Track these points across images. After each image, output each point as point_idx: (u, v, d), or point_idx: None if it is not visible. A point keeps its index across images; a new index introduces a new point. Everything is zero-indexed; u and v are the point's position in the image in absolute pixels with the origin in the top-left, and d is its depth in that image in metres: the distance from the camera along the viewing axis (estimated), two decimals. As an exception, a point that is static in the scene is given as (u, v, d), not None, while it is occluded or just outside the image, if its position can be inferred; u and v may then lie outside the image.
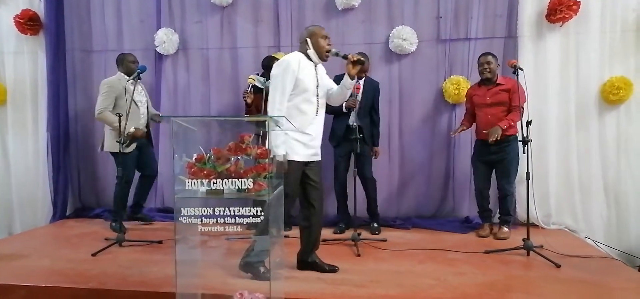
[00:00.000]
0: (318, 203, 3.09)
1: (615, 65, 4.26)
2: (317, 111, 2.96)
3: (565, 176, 4.36)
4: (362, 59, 2.94)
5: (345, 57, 2.94)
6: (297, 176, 2.93)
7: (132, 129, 4.13)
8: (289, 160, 2.83)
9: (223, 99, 4.89)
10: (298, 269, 3.17)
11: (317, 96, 2.95)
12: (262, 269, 2.88)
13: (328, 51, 2.96)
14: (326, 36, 2.97)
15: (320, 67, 3.07)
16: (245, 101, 4.19)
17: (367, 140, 4.19)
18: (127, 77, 4.17)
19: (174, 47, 4.87)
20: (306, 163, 2.95)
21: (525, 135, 3.42)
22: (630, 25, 4.24)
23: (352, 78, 2.93)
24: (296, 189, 2.97)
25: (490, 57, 3.95)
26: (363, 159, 4.21)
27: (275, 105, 2.80)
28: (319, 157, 3.06)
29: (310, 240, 3.16)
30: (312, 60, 2.96)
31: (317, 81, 2.97)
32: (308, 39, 2.95)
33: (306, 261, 3.17)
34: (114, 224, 4.30)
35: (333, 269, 3.13)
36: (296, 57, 2.89)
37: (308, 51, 2.94)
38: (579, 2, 4.17)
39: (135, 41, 5.00)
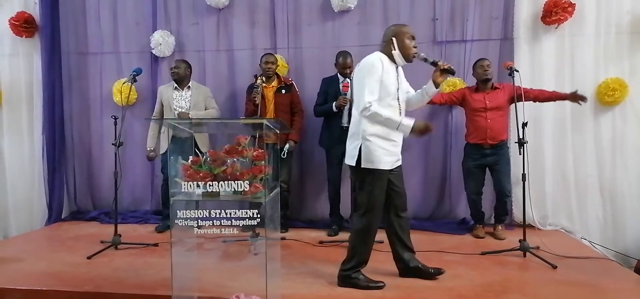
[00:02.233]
0: (404, 208, 2.98)
1: (610, 66, 4.28)
2: (400, 114, 2.80)
3: (561, 177, 4.38)
4: (452, 68, 2.79)
5: (434, 63, 2.79)
6: (384, 186, 2.81)
7: (148, 148, 4.35)
8: (375, 169, 2.75)
9: (219, 101, 4.87)
10: (400, 276, 3.03)
11: (399, 99, 2.81)
12: (361, 278, 2.87)
13: (415, 54, 2.80)
14: (413, 36, 2.80)
15: (401, 70, 2.92)
16: (254, 101, 4.05)
17: None
18: (175, 84, 4.35)
19: (170, 49, 4.85)
20: (390, 170, 2.83)
21: (521, 137, 3.43)
22: (625, 28, 4.26)
23: (437, 86, 2.80)
24: (383, 198, 2.84)
25: (488, 61, 4.03)
26: None
27: (365, 99, 2.62)
28: (400, 162, 2.94)
29: (405, 246, 3.02)
30: (395, 62, 2.81)
31: (398, 84, 2.81)
32: (393, 39, 2.77)
33: (408, 267, 3.01)
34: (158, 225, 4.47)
35: (439, 272, 2.99)
36: (379, 58, 2.73)
37: (393, 52, 2.77)
38: (574, 4, 4.19)
39: (131, 43, 4.98)
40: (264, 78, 4.15)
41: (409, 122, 2.64)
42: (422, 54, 2.83)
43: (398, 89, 2.81)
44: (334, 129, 4.16)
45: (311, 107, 4.47)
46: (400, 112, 2.81)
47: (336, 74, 4.24)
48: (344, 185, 4.31)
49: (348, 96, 4.05)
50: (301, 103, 4.46)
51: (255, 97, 4.04)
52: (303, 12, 4.75)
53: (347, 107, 4.08)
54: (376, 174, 2.77)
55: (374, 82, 2.66)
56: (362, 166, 2.76)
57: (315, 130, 4.59)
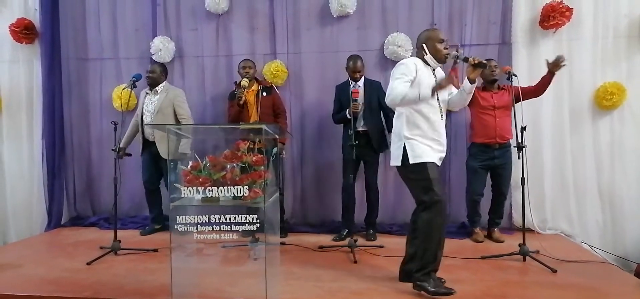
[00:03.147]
0: None
1: (608, 70, 4.30)
2: (441, 114, 2.87)
3: (560, 181, 4.38)
4: (484, 61, 2.77)
5: (466, 60, 2.83)
6: (438, 178, 2.81)
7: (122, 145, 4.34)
8: (425, 162, 2.77)
9: (219, 107, 4.89)
10: (400, 281, 3.00)
11: (438, 99, 2.85)
12: (429, 282, 2.76)
13: (447, 55, 2.87)
14: (443, 39, 2.89)
15: (439, 70, 2.99)
16: (239, 102, 4.09)
17: (374, 145, 4.14)
18: (148, 89, 4.40)
19: (170, 54, 4.87)
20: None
21: (520, 140, 3.44)
22: (622, 31, 4.28)
23: (471, 82, 2.80)
24: (442, 191, 2.83)
25: (495, 62, 4.08)
26: (368, 167, 4.21)
27: (398, 84, 2.75)
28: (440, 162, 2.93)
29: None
30: (429, 65, 2.90)
31: (436, 83, 2.83)
32: (424, 45, 2.89)
33: (411, 273, 2.89)
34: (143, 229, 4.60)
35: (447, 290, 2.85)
36: (413, 61, 2.86)
37: (425, 57, 2.89)
38: (572, 8, 4.21)
39: (131, 49, 5.00)
40: (247, 80, 4.15)
41: (428, 89, 2.72)
42: (454, 53, 2.87)
43: (435, 89, 2.81)
44: (350, 135, 4.12)
45: (308, 111, 4.48)
46: (441, 113, 2.87)
47: (347, 80, 4.20)
48: (356, 191, 4.27)
49: (359, 102, 4.04)
50: (283, 105, 4.47)
51: (241, 98, 4.07)
52: (302, 17, 4.77)
53: (361, 112, 4.07)
54: (428, 166, 2.78)
55: (404, 78, 2.77)
56: (411, 162, 2.79)
57: (312, 134, 4.60)
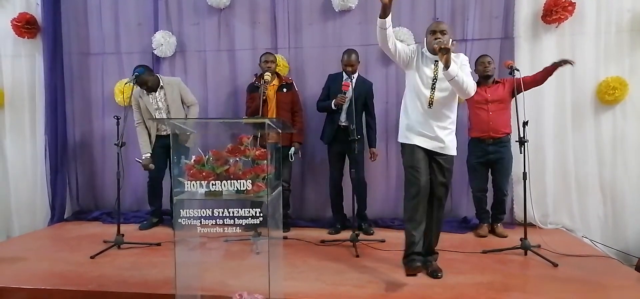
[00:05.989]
0: (436, 204, 3.08)
1: (611, 65, 4.29)
2: (429, 103, 2.93)
3: (562, 176, 4.39)
4: (444, 46, 2.73)
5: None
6: (411, 160, 2.98)
7: (145, 155, 4.34)
8: (401, 142, 3.09)
9: (221, 101, 4.90)
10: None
11: (434, 88, 2.92)
12: (408, 263, 3.02)
13: (435, 46, 2.81)
14: (434, 30, 2.92)
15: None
16: (261, 96, 3.97)
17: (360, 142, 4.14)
18: (144, 92, 4.32)
19: (172, 49, 4.87)
20: (426, 150, 2.99)
21: (521, 135, 3.45)
22: (625, 26, 4.27)
23: (444, 67, 2.76)
24: (415, 175, 2.96)
25: (489, 58, 4.06)
26: (352, 161, 4.20)
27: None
28: (446, 152, 3.03)
29: (425, 242, 3.08)
30: (429, 58, 2.97)
31: (436, 75, 2.92)
32: (425, 39, 3.01)
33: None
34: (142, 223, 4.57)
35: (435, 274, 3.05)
36: (417, 50, 3.01)
37: (423, 49, 3.01)
38: (574, 3, 4.20)
39: (132, 44, 5.00)
40: (269, 75, 4.08)
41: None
42: (435, 44, 2.82)
43: (434, 80, 2.93)
44: (333, 126, 4.17)
45: (312, 107, 4.48)
46: (430, 103, 2.93)
47: (341, 72, 4.20)
48: (347, 184, 4.29)
49: (347, 95, 4.01)
50: (300, 103, 4.47)
51: (264, 93, 3.97)
52: (304, 11, 4.76)
53: (345, 107, 4.09)
54: (403, 147, 3.06)
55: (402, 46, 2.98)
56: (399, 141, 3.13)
57: (316, 128, 4.60)
